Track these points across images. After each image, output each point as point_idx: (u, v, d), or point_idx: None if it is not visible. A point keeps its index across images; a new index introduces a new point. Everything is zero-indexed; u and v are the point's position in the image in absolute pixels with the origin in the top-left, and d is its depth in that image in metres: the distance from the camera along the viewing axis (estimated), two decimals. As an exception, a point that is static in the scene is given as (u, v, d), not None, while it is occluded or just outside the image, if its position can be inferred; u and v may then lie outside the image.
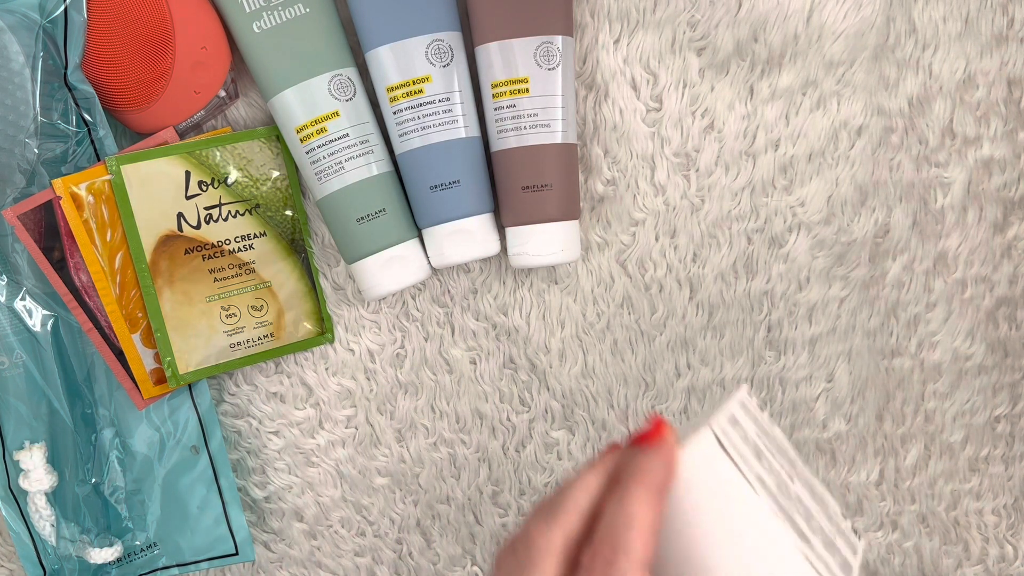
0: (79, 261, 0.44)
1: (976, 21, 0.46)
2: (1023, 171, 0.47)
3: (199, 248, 0.45)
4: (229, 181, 0.46)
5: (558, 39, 0.43)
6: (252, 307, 0.47)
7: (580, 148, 0.47)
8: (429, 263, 0.46)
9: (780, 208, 0.47)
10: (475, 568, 0.51)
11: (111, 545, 0.47)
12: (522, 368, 0.49)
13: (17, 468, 0.45)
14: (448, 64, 0.44)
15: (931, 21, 0.46)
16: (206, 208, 0.45)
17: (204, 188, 0.45)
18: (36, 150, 0.43)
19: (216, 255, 0.46)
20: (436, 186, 0.44)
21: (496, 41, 0.43)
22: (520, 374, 0.49)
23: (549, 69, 0.43)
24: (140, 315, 0.45)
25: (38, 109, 0.42)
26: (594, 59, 0.46)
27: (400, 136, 0.44)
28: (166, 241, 0.45)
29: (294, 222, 0.47)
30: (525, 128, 0.44)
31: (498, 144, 0.45)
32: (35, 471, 0.45)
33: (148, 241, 0.45)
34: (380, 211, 0.45)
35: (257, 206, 0.46)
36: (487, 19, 0.43)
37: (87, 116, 0.44)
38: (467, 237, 0.45)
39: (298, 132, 0.44)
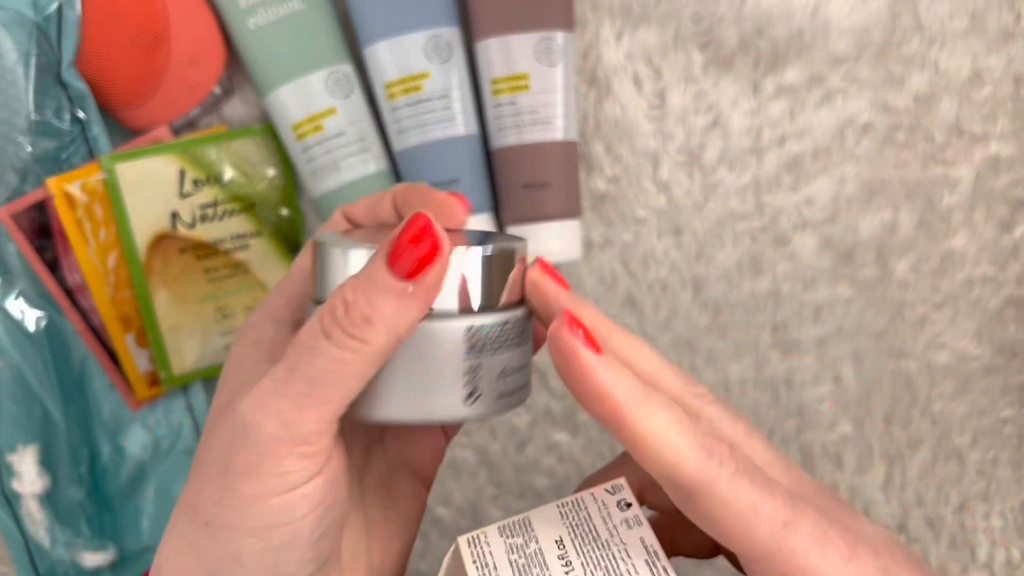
0: (72, 261, 0.44)
1: (983, 17, 0.45)
2: (1031, 169, 0.47)
3: (193, 248, 0.45)
4: (224, 179, 0.45)
5: (559, 35, 0.43)
6: (247, 307, 0.46)
7: (581, 145, 0.46)
8: (428, 263, 0.45)
9: (785, 206, 0.47)
10: (475, 572, 0.51)
11: (105, 549, 0.46)
12: (522, 369, 0.49)
13: (10, 471, 0.45)
14: (447, 60, 0.43)
15: (937, 17, 0.45)
16: (201, 207, 0.45)
17: (199, 187, 0.45)
18: (29, 148, 0.43)
19: (211, 255, 0.45)
20: (435, 184, 0.44)
21: (496, 37, 0.43)
22: (520, 375, 0.49)
23: (549, 65, 0.43)
24: (134, 315, 0.45)
25: (31, 107, 0.42)
26: (595, 55, 0.45)
27: (398, 133, 0.44)
28: (160, 240, 0.44)
29: (290, 221, 0.47)
30: (525, 125, 0.43)
31: (497, 141, 0.44)
32: (28, 474, 0.44)
33: (142, 240, 0.44)
34: (378, 210, 0.44)
35: (252, 205, 0.46)
36: (486, 14, 0.43)
37: (81, 114, 0.44)
38: (466, 236, 0.44)
39: (294, 129, 0.44)
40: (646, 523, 0.28)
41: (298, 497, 0.24)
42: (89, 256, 0.44)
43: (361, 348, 0.24)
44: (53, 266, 0.44)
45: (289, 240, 0.47)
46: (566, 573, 0.27)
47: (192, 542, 0.25)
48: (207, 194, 0.45)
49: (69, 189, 0.43)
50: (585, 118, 0.46)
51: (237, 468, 0.24)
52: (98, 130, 0.44)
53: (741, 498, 0.24)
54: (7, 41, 0.41)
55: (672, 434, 0.24)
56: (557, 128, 0.43)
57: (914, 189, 0.47)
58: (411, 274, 0.24)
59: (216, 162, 0.45)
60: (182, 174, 0.45)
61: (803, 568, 0.24)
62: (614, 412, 0.25)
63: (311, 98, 0.43)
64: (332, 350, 0.24)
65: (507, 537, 0.28)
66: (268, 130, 0.46)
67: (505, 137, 0.44)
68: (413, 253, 0.24)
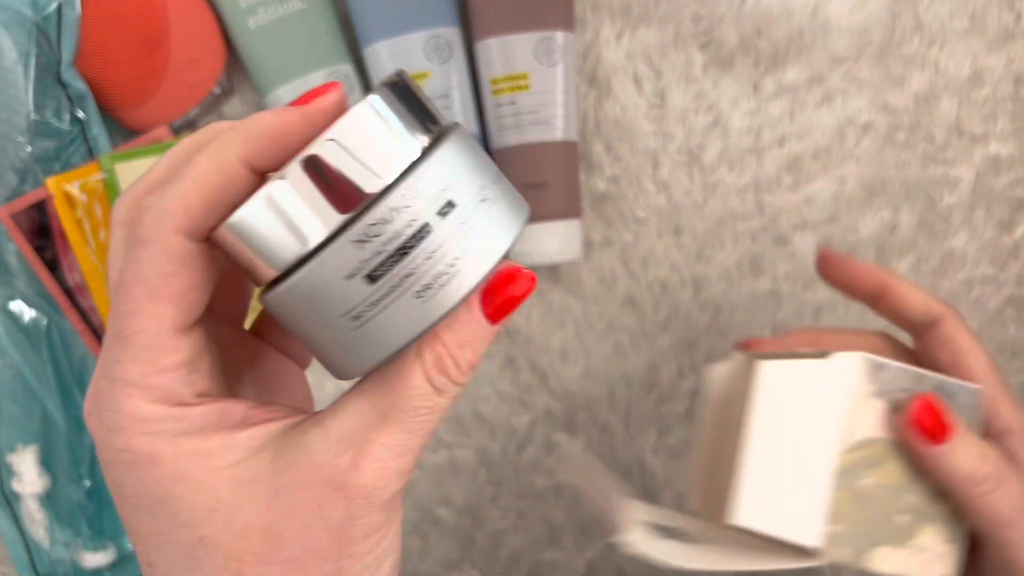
0: (72, 261, 0.44)
1: (983, 17, 0.45)
2: (1031, 169, 0.47)
3: (194, 247, 0.45)
4: (224, 179, 0.45)
5: (559, 35, 0.43)
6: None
7: (581, 145, 0.46)
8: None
9: (785, 206, 0.47)
10: (473, 572, 0.51)
11: (104, 549, 0.46)
12: (523, 369, 0.48)
13: (9, 471, 0.44)
14: (447, 60, 0.43)
15: (937, 17, 0.45)
16: (201, 207, 0.45)
17: (199, 186, 0.45)
18: (29, 148, 0.43)
19: (211, 254, 0.45)
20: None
21: (496, 37, 0.43)
22: (521, 375, 0.49)
23: (549, 65, 0.43)
24: (134, 315, 0.45)
25: (31, 106, 0.42)
26: (596, 55, 0.45)
27: (398, 133, 0.44)
28: (160, 240, 0.44)
29: (290, 221, 0.47)
30: (525, 125, 0.43)
31: (497, 141, 0.44)
32: (28, 474, 0.44)
33: (142, 240, 0.44)
34: (378, 209, 0.44)
35: (253, 204, 0.46)
36: (487, 14, 0.43)
37: (81, 113, 0.43)
38: (466, 236, 0.44)
39: (294, 129, 0.44)
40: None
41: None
42: (89, 256, 0.44)
43: (459, 391, 0.24)
44: (53, 266, 0.44)
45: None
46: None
47: None
48: (207, 194, 0.45)
49: (69, 189, 0.43)
50: (585, 118, 0.46)
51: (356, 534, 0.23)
52: (98, 130, 0.44)
53: None
54: (7, 41, 0.41)
55: None
56: (557, 128, 0.43)
57: (914, 189, 0.47)
58: (500, 314, 0.23)
59: (216, 162, 0.45)
60: (182, 174, 0.44)
61: None
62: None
63: (311, 98, 0.43)
64: (444, 403, 0.24)
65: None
66: (268, 130, 0.46)
67: (505, 137, 0.44)
68: (507, 293, 0.23)
